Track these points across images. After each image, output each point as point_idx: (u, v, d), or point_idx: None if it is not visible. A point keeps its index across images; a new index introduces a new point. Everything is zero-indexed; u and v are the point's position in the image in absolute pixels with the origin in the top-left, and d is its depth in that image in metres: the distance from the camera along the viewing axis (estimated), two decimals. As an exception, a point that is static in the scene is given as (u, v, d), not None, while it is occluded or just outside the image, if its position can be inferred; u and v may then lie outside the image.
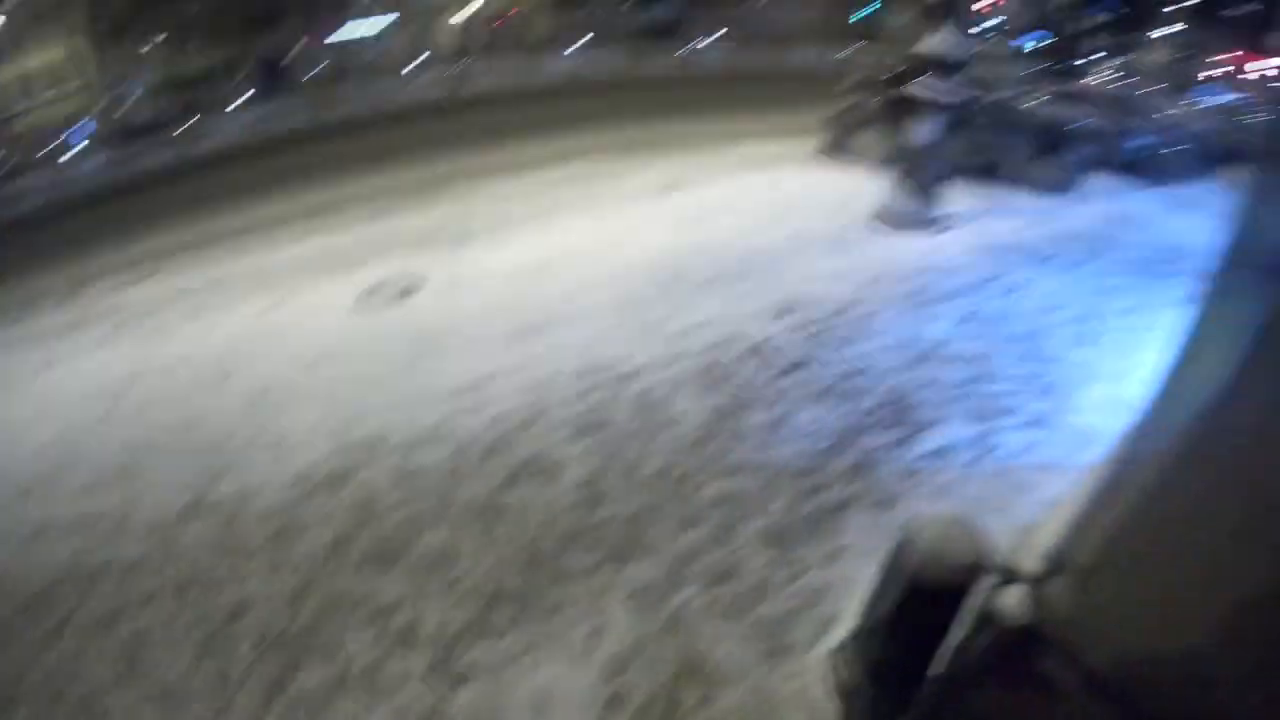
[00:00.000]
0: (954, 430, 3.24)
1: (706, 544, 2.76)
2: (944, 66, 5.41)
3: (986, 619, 1.50)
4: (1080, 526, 1.39)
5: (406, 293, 5.53)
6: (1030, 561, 1.46)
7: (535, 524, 2.92)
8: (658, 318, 4.49)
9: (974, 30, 19.98)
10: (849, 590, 2.42)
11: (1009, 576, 1.48)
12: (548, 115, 13.12)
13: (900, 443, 3.18)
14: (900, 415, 3.38)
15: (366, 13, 25.00)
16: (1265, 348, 1.08)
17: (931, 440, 3.22)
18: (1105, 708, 1.32)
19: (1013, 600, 1.44)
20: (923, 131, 5.60)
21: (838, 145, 8.39)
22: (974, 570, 1.56)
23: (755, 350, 4.04)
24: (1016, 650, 1.41)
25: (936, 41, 5.41)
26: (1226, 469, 1.18)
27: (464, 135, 11.96)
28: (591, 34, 23.14)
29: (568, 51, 22.84)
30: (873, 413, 3.40)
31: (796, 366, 3.84)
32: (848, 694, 2.10)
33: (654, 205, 6.81)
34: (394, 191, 8.76)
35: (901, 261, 5.18)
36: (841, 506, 2.85)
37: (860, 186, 6.59)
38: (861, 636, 2.03)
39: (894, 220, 5.90)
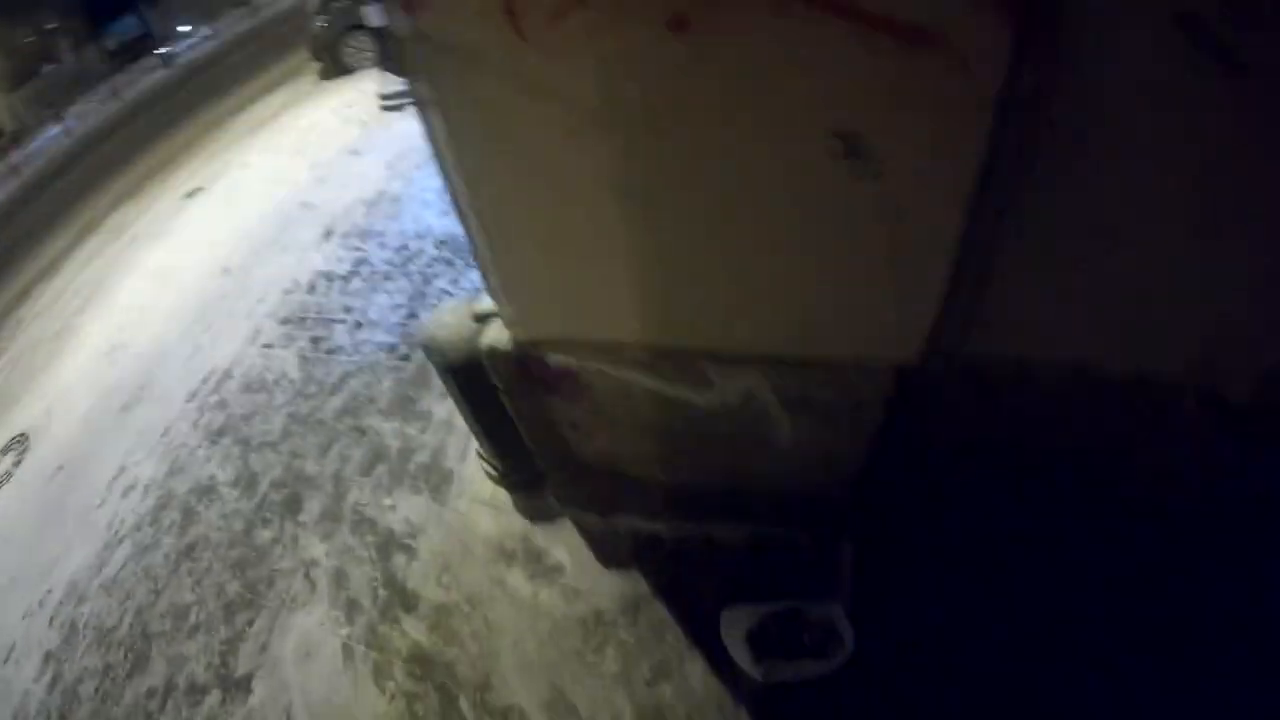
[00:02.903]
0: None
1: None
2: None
3: (493, 353, 1.88)
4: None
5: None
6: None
7: None
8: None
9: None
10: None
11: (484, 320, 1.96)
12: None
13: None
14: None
15: None
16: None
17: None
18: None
19: (496, 337, 1.87)
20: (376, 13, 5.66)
21: (333, 63, 7.95)
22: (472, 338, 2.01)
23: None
24: (521, 363, 1.81)
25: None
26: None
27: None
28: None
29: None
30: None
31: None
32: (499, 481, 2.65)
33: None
34: None
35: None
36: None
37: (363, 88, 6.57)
38: (480, 435, 2.47)
39: (393, 102, 6.00)
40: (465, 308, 2.17)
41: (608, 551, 2.56)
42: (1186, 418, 1.53)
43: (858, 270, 1.36)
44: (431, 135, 1.35)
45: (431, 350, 2.20)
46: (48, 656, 3.51)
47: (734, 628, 2.13)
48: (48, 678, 3.43)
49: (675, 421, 1.91)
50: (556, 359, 1.81)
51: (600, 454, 2.22)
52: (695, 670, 2.33)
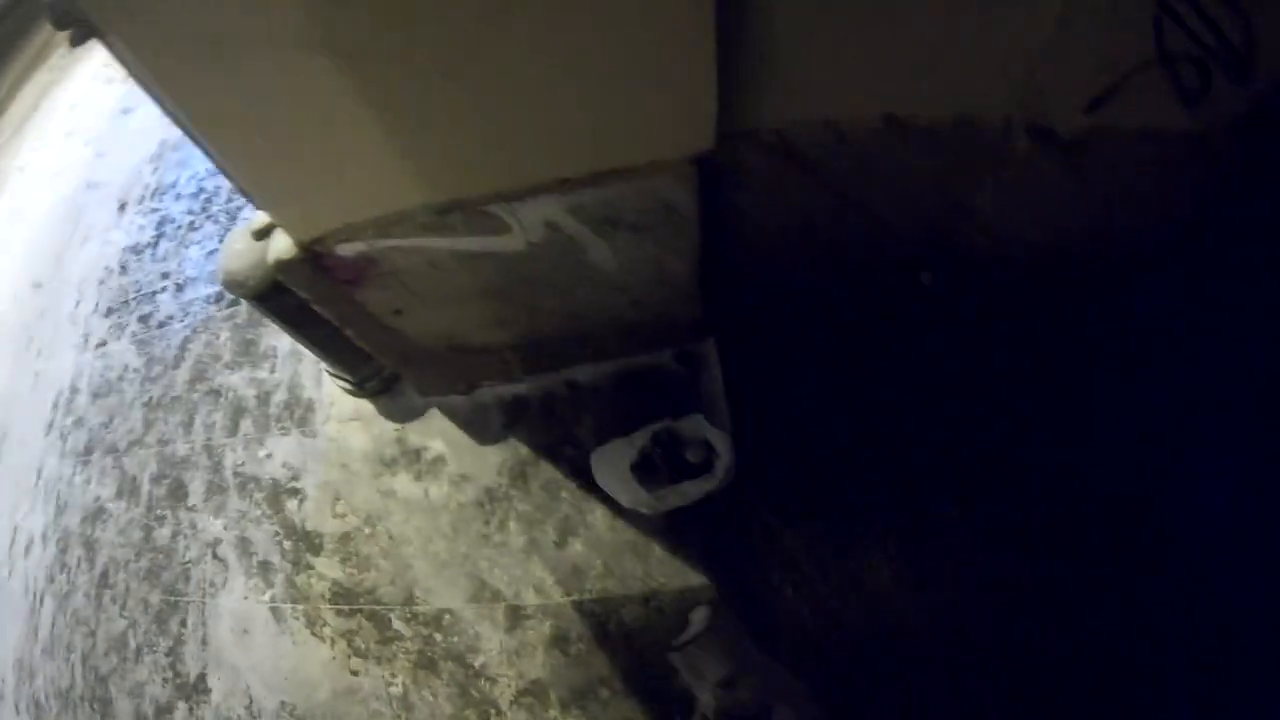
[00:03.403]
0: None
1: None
2: None
3: (283, 264, 1.69)
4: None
5: None
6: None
7: None
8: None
9: None
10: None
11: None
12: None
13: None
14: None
15: None
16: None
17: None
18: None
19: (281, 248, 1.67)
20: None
21: (78, 25, 6.86)
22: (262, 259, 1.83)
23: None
24: (315, 266, 1.65)
25: None
26: None
27: None
28: None
29: None
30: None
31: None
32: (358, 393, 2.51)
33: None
34: None
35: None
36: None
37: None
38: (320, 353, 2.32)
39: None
40: (246, 230, 1.96)
41: (481, 428, 2.36)
42: (1019, 157, 1.45)
43: (618, 62, 1.17)
44: (124, 64, 1.18)
45: (231, 284, 1.97)
46: (25, 741, 3.36)
47: (609, 467, 1.93)
48: (30, 763, 3.30)
49: (490, 276, 1.73)
50: (347, 249, 1.61)
51: (438, 334, 2.04)
52: (598, 519, 2.18)
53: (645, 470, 1.99)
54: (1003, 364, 2.02)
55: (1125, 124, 1.33)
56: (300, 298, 1.85)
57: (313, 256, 1.65)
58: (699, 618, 1.95)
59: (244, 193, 1.48)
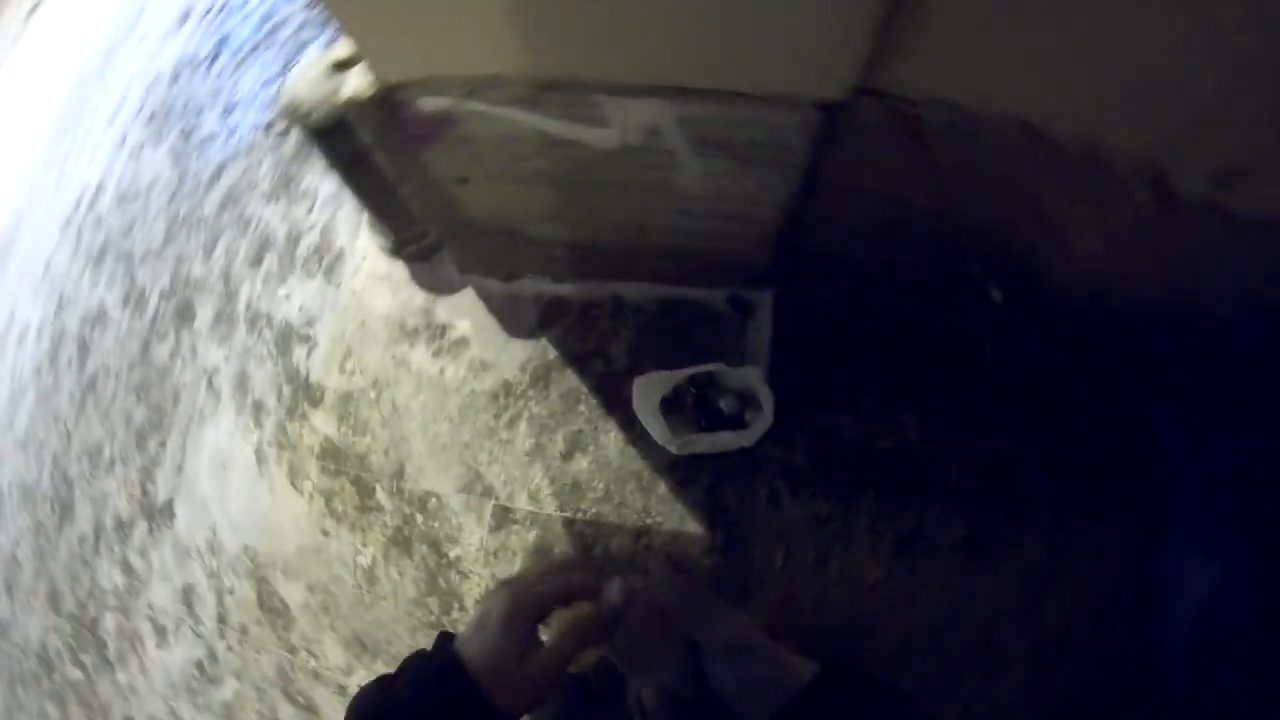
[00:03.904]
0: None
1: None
2: None
3: (355, 104, 1.56)
4: None
5: None
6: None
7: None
8: None
9: None
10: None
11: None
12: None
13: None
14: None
15: None
16: None
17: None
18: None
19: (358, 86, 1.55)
20: None
21: None
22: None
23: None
24: (389, 113, 1.50)
25: None
26: None
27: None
28: None
29: None
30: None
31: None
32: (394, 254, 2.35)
33: None
34: None
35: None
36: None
37: None
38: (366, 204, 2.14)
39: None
40: (323, 58, 1.74)
41: (513, 320, 2.23)
42: (1134, 206, 1.32)
43: None
44: None
45: (292, 113, 1.75)
46: (-19, 532, 3.32)
47: (646, 397, 1.81)
48: (-13, 556, 3.27)
49: (569, 168, 1.57)
50: (428, 103, 1.43)
51: (494, 213, 1.87)
52: (610, 441, 2.05)
53: (673, 407, 1.87)
54: (1043, 401, 1.90)
55: (1249, 208, 1.19)
56: (362, 143, 1.71)
57: (390, 103, 1.48)
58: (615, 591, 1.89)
59: (334, 17, 1.32)
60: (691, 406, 1.90)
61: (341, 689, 2.19)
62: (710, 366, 1.79)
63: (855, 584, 1.88)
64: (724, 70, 1.23)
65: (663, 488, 2.04)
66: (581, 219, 1.83)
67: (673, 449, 1.75)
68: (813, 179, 1.51)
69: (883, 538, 1.88)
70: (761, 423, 1.71)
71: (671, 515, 2.02)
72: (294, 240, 2.70)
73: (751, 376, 1.74)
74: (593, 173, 1.58)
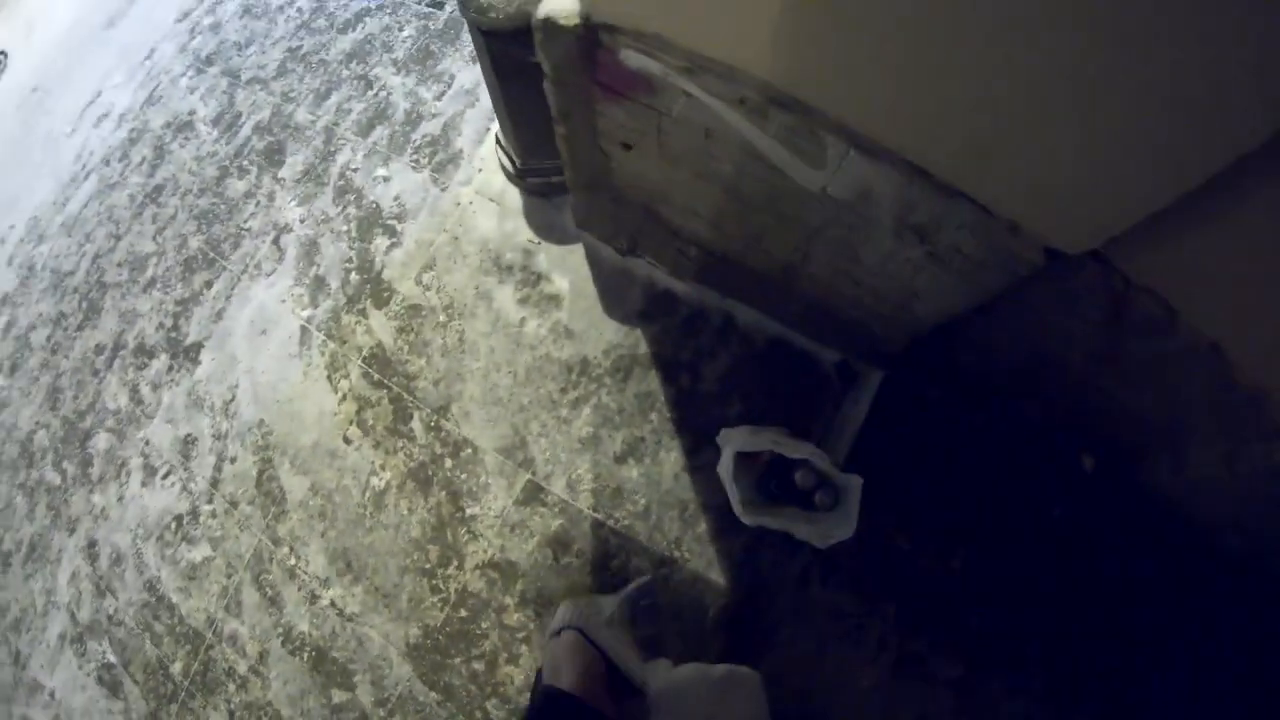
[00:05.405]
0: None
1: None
2: None
3: (550, 25, 1.34)
4: None
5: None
6: None
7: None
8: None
9: None
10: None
11: None
12: None
13: None
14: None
15: None
16: None
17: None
18: None
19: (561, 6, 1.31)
20: None
21: None
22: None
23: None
24: (585, 49, 1.33)
25: None
26: None
27: None
28: None
29: None
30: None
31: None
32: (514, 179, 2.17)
33: None
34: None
35: None
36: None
37: None
38: (505, 120, 1.95)
39: None
40: None
41: (615, 298, 2.04)
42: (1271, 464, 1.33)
43: (1104, 120, 0.86)
44: None
45: (468, 2, 1.56)
46: (4, 299, 3.22)
47: (729, 452, 1.63)
48: (2, 322, 3.16)
49: (757, 187, 1.39)
50: (634, 59, 1.25)
51: (643, 187, 1.70)
52: (668, 460, 1.90)
53: (744, 467, 1.68)
54: (1087, 581, 1.78)
55: None
56: (536, 63, 1.48)
57: (591, 41, 1.28)
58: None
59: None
60: (767, 462, 1.71)
61: (313, 597, 2.05)
62: (811, 453, 1.59)
63: (846, 682, 1.78)
64: (979, 177, 1.05)
65: (703, 527, 1.87)
66: (737, 233, 1.63)
67: (744, 519, 1.56)
68: (993, 305, 1.35)
69: (887, 650, 1.78)
70: (842, 533, 1.53)
71: (701, 557, 1.85)
72: (413, 122, 2.49)
73: (852, 484, 1.55)
74: (780, 203, 1.39)
